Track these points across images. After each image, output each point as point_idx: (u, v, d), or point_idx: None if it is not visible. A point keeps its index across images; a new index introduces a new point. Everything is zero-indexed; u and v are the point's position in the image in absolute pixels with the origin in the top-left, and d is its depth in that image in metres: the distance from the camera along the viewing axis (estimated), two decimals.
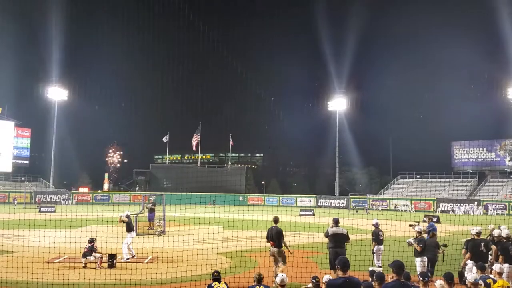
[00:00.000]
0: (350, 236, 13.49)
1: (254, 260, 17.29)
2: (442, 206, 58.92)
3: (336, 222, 13.69)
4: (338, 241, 13.22)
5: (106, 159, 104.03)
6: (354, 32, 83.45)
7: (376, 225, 15.07)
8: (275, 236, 13.27)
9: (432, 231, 15.13)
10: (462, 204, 57.88)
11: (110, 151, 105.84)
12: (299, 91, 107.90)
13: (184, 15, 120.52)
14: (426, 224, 16.85)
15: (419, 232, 13.91)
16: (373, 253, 14.64)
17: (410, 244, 13.50)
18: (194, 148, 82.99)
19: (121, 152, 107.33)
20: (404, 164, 79.73)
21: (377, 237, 14.71)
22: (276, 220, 13.73)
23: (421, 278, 8.11)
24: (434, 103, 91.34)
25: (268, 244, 13.56)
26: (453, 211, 56.73)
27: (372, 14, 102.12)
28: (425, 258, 13.34)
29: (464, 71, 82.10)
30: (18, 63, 79.83)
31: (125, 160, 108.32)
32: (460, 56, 78.17)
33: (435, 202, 60.58)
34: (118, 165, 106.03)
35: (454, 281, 8.71)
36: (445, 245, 14.41)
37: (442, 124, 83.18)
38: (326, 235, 13.44)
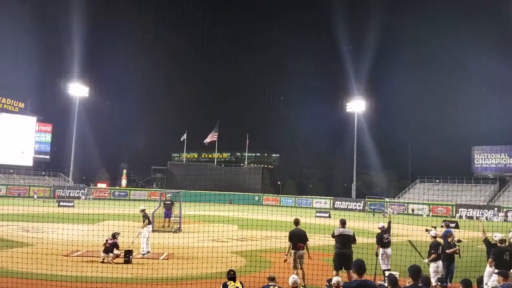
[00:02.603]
0: (362, 239, 13.41)
1: (269, 260, 17.27)
2: (461, 211, 58.22)
3: (343, 223, 13.74)
4: (344, 242, 13.21)
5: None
6: (373, 34, 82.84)
7: (382, 228, 15.00)
8: (303, 239, 13.28)
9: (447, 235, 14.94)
10: (478, 210, 57.18)
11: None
12: (317, 92, 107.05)
13: (201, 15, 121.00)
14: (443, 230, 16.66)
15: (434, 237, 13.80)
16: (377, 255, 14.56)
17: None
18: (206, 143, 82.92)
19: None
20: (423, 168, 79.01)
21: (381, 240, 14.67)
22: (298, 222, 13.72)
23: (439, 284, 8.02)
24: (454, 107, 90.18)
25: (286, 245, 13.50)
26: (470, 217, 56.04)
27: (392, 16, 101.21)
28: (440, 263, 13.22)
29: (485, 75, 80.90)
30: (40, 59, 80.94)
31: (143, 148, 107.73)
32: (482, 60, 77.05)
33: (454, 207, 59.86)
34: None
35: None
36: (459, 241, 14.35)
37: (462, 129, 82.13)
38: (333, 235, 13.48)
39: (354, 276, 7.72)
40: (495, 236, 12.28)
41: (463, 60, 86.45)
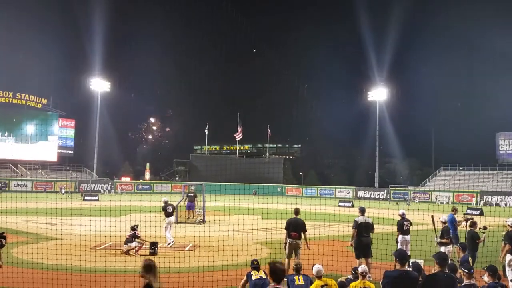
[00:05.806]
0: (383, 227, 13.41)
1: None
2: (486, 198, 57.41)
3: (362, 211, 13.74)
4: (363, 230, 13.27)
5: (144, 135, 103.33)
6: (396, 20, 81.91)
7: (402, 215, 15.03)
8: (299, 228, 13.29)
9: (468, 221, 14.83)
10: (503, 197, 56.26)
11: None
12: (338, 81, 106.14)
13: (222, 6, 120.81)
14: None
15: (444, 223, 13.94)
16: (397, 242, 14.63)
17: (440, 244, 13.53)
18: (237, 137, 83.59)
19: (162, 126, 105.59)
20: (446, 155, 78.06)
21: (401, 227, 14.73)
22: (298, 211, 13.82)
23: (465, 270, 7.92)
24: (478, 93, 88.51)
25: (283, 235, 13.65)
26: (491, 204, 55.26)
27: (414, 2, 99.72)
28: (450, 247, 13.29)
29: (509, 60, 79.13)
30: (62, 55, 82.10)
31: (166, 141, 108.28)
32: (505, 44, 75.42)
33: (478, 194, 59.06)
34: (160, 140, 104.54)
35: (498, 274, 8.47)
36: (485, 228, 14.26)
37: (486, 115, 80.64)
38: (355, 226, 13.38)
39: (397, 266, 7.63)
40: (507, 221, 12.41)
41: (486, 45, 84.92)
